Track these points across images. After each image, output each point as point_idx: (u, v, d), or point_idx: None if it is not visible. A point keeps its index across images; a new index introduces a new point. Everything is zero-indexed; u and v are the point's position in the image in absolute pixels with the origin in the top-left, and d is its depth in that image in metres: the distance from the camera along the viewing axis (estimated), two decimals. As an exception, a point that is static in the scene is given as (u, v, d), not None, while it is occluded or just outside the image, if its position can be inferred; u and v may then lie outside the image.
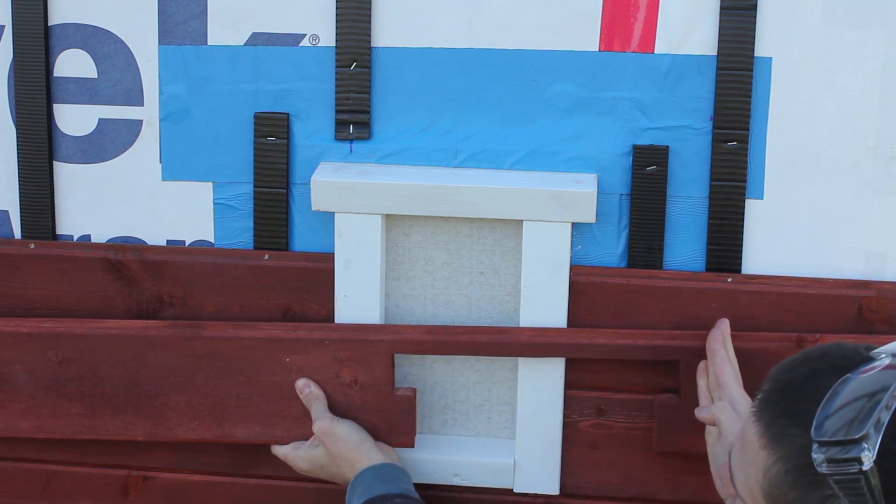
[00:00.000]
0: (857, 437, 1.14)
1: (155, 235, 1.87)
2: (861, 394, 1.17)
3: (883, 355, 1.20)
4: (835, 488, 1.16)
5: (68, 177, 1.87)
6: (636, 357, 1.77)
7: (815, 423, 1.18)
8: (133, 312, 1.87)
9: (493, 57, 1.77)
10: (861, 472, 1.13)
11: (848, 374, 1.19)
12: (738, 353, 1.71)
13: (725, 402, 1.63)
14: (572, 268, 1.79)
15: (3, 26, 1.83)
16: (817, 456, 1.16)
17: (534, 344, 1.77)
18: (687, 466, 1.80)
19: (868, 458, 1.13)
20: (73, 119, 1.85)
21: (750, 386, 1.62)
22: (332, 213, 1.78)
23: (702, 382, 1.72)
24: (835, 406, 1.18)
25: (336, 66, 1.78)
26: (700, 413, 1.66)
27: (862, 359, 1.21)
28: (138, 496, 1.94)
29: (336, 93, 1.79)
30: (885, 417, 1.14)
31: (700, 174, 1.77)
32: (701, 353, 1.73)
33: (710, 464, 1.62)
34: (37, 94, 1.83)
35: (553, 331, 1.78)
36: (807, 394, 1.21)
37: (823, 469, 1.16)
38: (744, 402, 1.63)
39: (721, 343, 1.71)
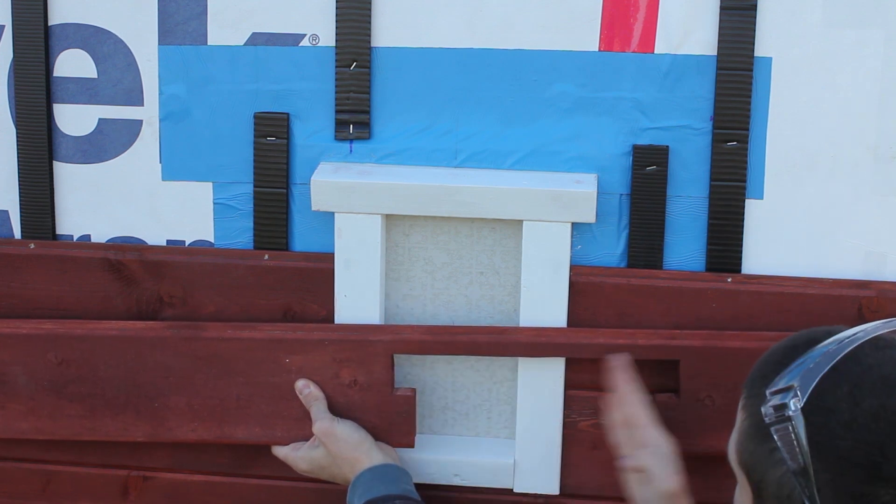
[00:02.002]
0: (788, 385, 1.16)
1: (155, 235, 1.87)
2: (820, 352, 1.19)
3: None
4: (775, 438, 1.17)
5: (68, 177, 1.87)
6: (636, 356, 1.76)
7: (775, 379, 1.21)
8: (133, 312, 1.87)
9: (493, 57, 1.77)
10: (787, 417, 1.15)
11: (820, 344, 1.22)
12: (738, 351, 1.72)
13: (650, 449, 1.64)
14: (572, 268, 1.79)
15: (3, 26, 1.83)
16: (765, 408, 1.19)
17: (533, 344, 1.77)
18: (686, 466, 1.79)
19: (795, 404, 1.15)
20: (73, 119, 1.85)
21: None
22: (332, 213, 1.78)
23: (616, 417, 1.70)
24: (794, 364, 1.21)
25: (336, 66, 1.78)
26: (627, 463, 1.66)
27: (840, 331, 1.24)
28: (138, 496, 1.94)
29: (336, 93, 1.79)
30: (823, 367, 1.16)
31: (700, 174, 1.77)
32: (701, 353, 1.73)
33: None
34: (37, 94, 1.83)
35: (552, 330, 1.77)
36: (780, 359, 1.25)
37: (768, 419, 1.18)
38: (664, 442, 1.65)
39: (628, 382, 1.70)
